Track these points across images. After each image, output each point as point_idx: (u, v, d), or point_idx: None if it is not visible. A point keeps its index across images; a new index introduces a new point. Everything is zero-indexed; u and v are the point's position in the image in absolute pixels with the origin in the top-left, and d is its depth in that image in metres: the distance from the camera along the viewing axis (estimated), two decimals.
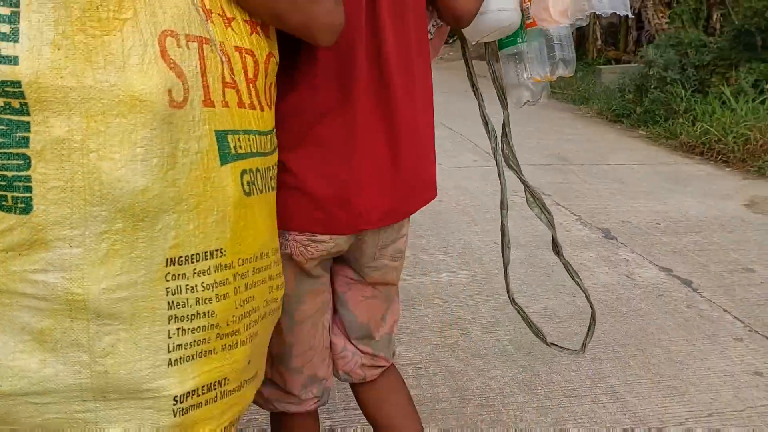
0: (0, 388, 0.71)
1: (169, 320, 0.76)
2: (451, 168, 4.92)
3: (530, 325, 1.65)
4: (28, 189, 0.68)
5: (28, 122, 0.67)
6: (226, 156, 0.80)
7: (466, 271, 3.06)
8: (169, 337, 0.76)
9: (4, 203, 0.68)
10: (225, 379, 0.83)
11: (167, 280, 0.75)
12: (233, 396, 0.86)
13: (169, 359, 0.77)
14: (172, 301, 0.76)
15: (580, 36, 12.41)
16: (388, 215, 1.11)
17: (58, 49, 0.66)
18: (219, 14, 0.81)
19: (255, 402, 1.09)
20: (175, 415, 0.77)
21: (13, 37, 0.64)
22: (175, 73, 0.73)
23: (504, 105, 1.57)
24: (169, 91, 0.72)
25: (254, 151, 0.86)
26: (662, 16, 11.10)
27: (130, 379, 0.75)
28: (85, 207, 0.69)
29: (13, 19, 0.64)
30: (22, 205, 0.68)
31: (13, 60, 0.65)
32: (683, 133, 5.62)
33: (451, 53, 14.29)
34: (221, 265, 0.80)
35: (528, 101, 1.60)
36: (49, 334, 0.71)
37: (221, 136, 0.79)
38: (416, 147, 1.14)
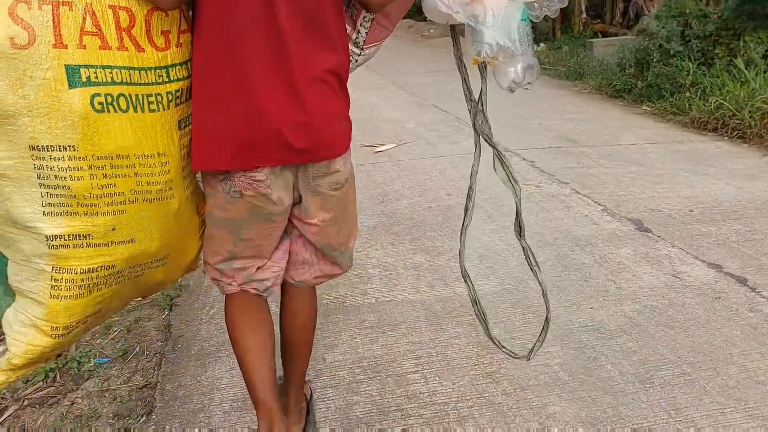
0: None
1: (40, 186, 1.17)
2: (453, 156, 4.53)
3: (476, 303, 1.61)
4: None
5: None
6: (75, 83, 1.12)
7: (492, 279, 2.68)
8: (41, 197, 1.17)
9: None
10: (89, 234, 1.22)
11: (33, 159, 1.15)
12: (99, 248, 1.24)
13: (43, 211, 1.18)
14: (39, 174, 1.16)
15: (564, 10, 12.05)
16: (292, 155, 1.30)
17: None
18: None
19: (215, 283, 1.53)
20: (49, 248, 1.20)
21: None
22: (22, 26, 1.07)
23: (483, 77, 1.58)
24: (11, 38, 1.07)
25: (116, 81, 1.17)
26: None
27: (21, 218, 1.19)
28: None
29: None
30: None
31: None
32: (693, 108, 5.30)
33: (432, 30, 13.79)
34: (74, 157, 1.15)
35: (514, 84, 1.54)
36: None
37: (72, 69, 1.12)
38: (313, 105, 1.29)
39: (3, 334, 1.33)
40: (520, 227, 1.60)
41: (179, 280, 1.99)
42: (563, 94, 6.83)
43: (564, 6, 1.52)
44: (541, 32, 11.98)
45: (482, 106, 1.63)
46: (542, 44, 11.87)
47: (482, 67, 1.55)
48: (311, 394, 1.86)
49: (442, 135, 5.17)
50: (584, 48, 10.45)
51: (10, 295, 1.32)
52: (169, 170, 1.28)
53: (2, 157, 1.15)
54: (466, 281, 1.61)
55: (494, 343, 1.62)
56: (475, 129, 1.64)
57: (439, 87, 7.48)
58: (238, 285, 1.49)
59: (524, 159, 4.36)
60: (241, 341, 1.47)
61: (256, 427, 1.43)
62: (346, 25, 1.43)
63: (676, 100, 5.63)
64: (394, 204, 3.64)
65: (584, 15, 11.69)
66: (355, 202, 1.57)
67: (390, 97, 6.93)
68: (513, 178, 1.64)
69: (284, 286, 1.59)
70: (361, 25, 1.49)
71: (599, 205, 3.46)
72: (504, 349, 1.64)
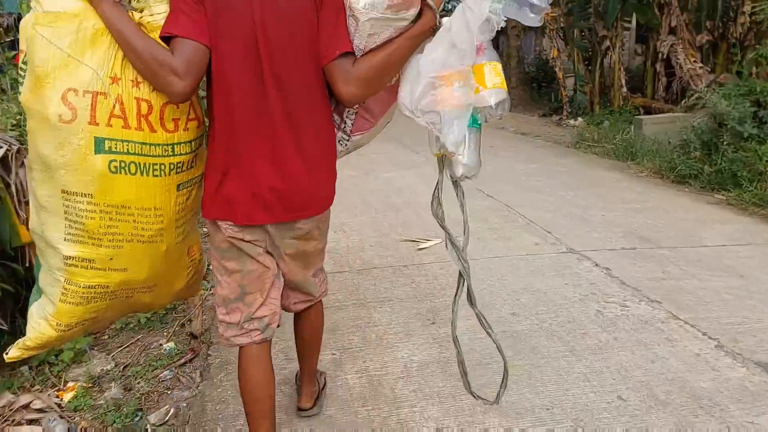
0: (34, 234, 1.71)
1: (65, 219, 1.59)
2: (511, 257, 3.87)
3: (461, 363, 2.19)
4: None
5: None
6: (100, 150, 1.55)
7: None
8: (65, 227, 1.60)
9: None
10: (93, 260, 1.62)
11: (63, 200, 1.58)
12: (99, 271, 1.64)
13: (64, 237, 1.60)
14: (66, 211, 1.59)
15: (603, 83, 11.60)
16: (281, 214, 1.69)
17: (29, 93, 1.55)
18: (131, 80, 1.55)
19: (222, 344, 1.93)
20: (64, 265, 1.62)
21: None
22: (68, 107, 1.51)
23: (440, 169, 1.94)
24: (61, 115, 1.51)
25: (131, 152, 1.57)
26: (694, 61, 10.29)
27: (50, 238, 1.62)
28: (33, 159, 1.61)
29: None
30: None
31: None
32: None
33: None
34: (90, 202, 1.58)
35: (463, 175, 1.87)
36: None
37: (99, 140, 1.54)
38: (301, 173, 1.66)
39: None
40: (471, 299, 2.05)
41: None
42: (618, 178, 6.20)
43: (501, 117, 1.75)
44: (579, 106, 11.52)
45: (439, 192, 1.97)
46: (580, 119, 11.40)
47: (440, 160, 1.89)
48: (324, 383, 2.36)
49: (492, 227, 4.53)
50: (629, 124, 9.92)
51: (38, 293, 1.76)
52: (162, 221, 1.66)
53: (44, 195, 1.60)
54: (455, 345, 2.12)
55: (473, 395, 2.13)
56: (433, 213, 2.00)
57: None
58: (244, 331, 1.80)
59: (597, 264, 3.68)
60: (248, 397, 1.80)
61: None
62: (335, 115, 1.79)
63: (757, 189, 4.96)
64: (448, 326, 2.96)
65: (624, 89, 11.21)
66: (324, 244, 1.93)
67: (428, 178, 6.33)
68: (462, 258, 1.99)
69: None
70: (347, 117, 1.83)
71: (710, 338, 2.74)
72: (480, 399, 2.14)
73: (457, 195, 1.95)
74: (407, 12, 1.55)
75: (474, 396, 2.11)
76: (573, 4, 11.04)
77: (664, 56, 10.54)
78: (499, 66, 1.71)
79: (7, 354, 1.76)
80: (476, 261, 3.82)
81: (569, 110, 11.61)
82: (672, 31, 10.66)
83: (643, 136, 7.89)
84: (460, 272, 2.01)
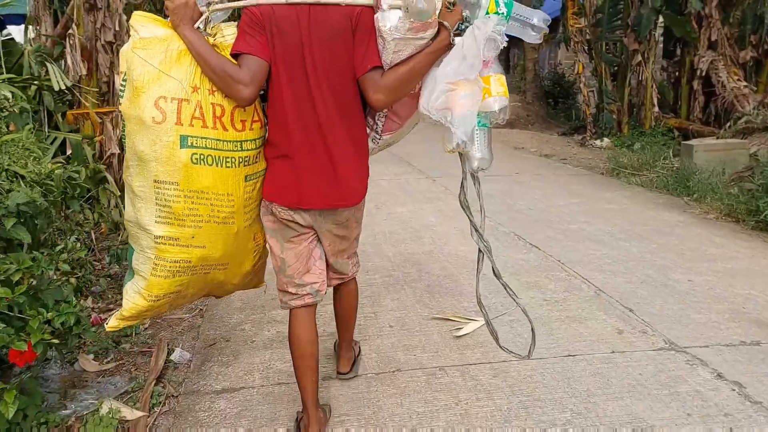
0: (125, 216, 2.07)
1: (156, 204, 1.93)
2: (589, 356, 2.74)
3: (488, 323, 2.26)
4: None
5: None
6: (184, 145, 1.89)
7: None
8: (156, 211, 1.93)
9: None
10: (178, 238, 1.95)
11: (155, 188, 1.91)
12: (183, 248, 1.97)
13: (155, 220, 1.93)
14: (156, 197, 1.92)
15: (630, 103, 10.54)
16: (324, 202, 2.04)
17: (129, 101, 1.95)
18: (207, 89, 1.92)
19: (281, 307, 2.21)
20: (155, 243, 1.95)
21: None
22: (159, 111, 1.87)
23: (462, 161, 2.17)
24: (153, 117, 1.87)
25: (208, 147, 1.92)
26: (738, 80, 9.25)
27: (143, 222, 1.95)
28: (130, 156, 1.97)
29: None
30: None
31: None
32: None
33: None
34: (177, 189, 1.91)
35: (478, 167, 2.10)
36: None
37: (183, 137, 1.89)
38: (341, 169, 2.01)
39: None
40: (496, 272, 2.19)
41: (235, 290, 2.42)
42: (684, 221, 5.10)
43: (503, 121, 2.06)
44: (605, 125, 10.46)
45: (464, 180, 2.19)
46: (606, 139, 10.34)
47: (460, 155, 2.14)
48: (359, 351, 2.74)
49: (550, 299, 3.42)
50: (664, 147, 8.86)
51: (131, 274, 2.10)
52: (233, 205, 2.02)
53: (139, 185, 1.95)
54: (480, 308, 2.27)
55: (504, 349, 2.29)
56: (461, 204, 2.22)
57: (512, 199, 5.82)
58: (297, 296, 2.16)
59: (719, 375, 2.56)
60: (296, 353, 2.15)
61: (299, 416, 2.25)
62: (367, 118, 2.16)
63: None
64: None
65: (656, 108, 10.15)
66: (358, 231, 2.27)
67: (450, 215, 5.23)
68: (486, 247, 2.19)
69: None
70: (377, 119, 2.19)
71: None
72: (512, 353, 2.32)
73: (474, 185, 2.17)
74: (425, 33, 1.90)
75: (506, 350, 2.29)
76: (601, 15, 9.97)
77: (703, 73, 9.51)
78: (503, 78, 2.03)
79: (107, 324, 2.15)
80: (544, 360, 2.71)
81: (593, 130, 10.53)
82: (711, 45, 9.65)
83: (693, 165, 6.83)
84: (479, 249, 2.21)
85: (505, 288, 2.17)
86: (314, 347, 2.15)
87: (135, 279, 2.07)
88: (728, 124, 8.66)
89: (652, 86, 10.04)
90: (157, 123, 1.88)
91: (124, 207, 2.15)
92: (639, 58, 10.01)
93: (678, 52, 10.51)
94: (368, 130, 2.17)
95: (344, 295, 2.42)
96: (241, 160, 1.98)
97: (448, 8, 1.90)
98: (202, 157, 1.91)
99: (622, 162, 7.88)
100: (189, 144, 1.89)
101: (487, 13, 1.96)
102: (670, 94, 10.75)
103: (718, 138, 8.38)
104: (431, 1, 1.79)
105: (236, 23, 2.01)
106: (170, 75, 1.89)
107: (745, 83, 9.08)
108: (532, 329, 2.19)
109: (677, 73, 10.50)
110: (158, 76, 1.88)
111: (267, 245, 2.21)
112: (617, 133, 10.40)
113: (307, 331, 2.15)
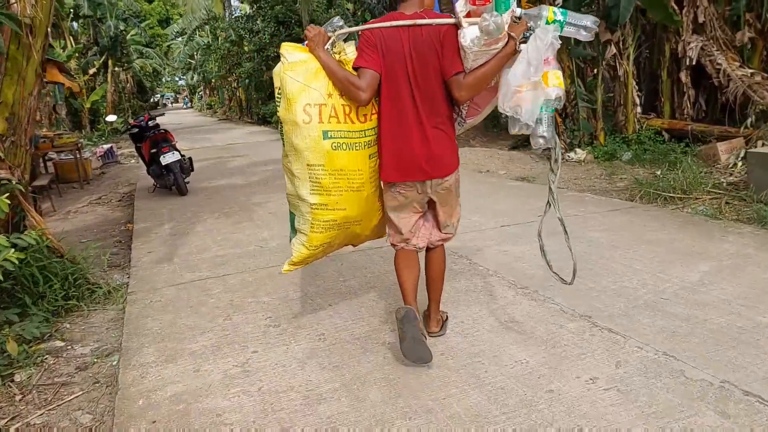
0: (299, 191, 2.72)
1: (309, 181, 2.63)
2: None
3: (544, 254, 2.74)
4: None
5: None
6: (325, 137, 2.55)
7: None
8: (310, 186, 2.63)
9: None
10: (326, 204, 2.63)
11: (308, 169, 2.61)
12: (330, 211, 2.65)
13: (310, 192, 2.64)
14: (309, 176, 2.62)
15: (604, 104, 8.81)
16: (423, 175, 2.61)
17: (284, 109, 2.65)
18: (337, 94, 2.57)
19: (391, 244, 2.86)
20: (311, 209, 2.66)
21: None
22: (307, 114, 2.55)
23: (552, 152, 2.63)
24: (303, 119, 2.55)
25: (342, 137, 2.56)
26: (740, 65, 7.72)
27: (302, 195, 2.67)
28: (288, 148, 2.69)
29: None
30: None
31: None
32: None
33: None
34: (323, 169, 2.58)
35: (544, 145, 2.49)
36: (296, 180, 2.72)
37: (324, 132, 2.55)
38: (434, 149, 2.58)
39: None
40: (565, 230, 2.63)
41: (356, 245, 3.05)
42: None
43: (560, 105, 2.49)
44: (583, 133, 8.60)
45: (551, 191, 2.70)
46: (580, 150, 8.50)
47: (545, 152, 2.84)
48: (447, 317, 3.06)
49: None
50: (663, 156, 7.10)
51: (294, 233, 2.83)
52: (362, 177, 2.65)
53: (297, 169, 2.62)
54: (539, 239, 2.74)
55: (553, 274, 2.71)
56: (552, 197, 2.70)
57: (618, 279, 3.55)
58: (403, 245, 2.80)
59: None
60: (400, 272, 2.79)
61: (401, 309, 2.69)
62: (454, 107, 2.70)
63: None
64: None
65: (639, 109, 8.44)
66: (457, 197, 2.79)
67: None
68: (562, 221, 2.63)
69: (427, 249, 2.85)
70: (462, 108, 2.78)
71: None
72: (560, 279, 2.70)
73: (552, 162, 2.66)
74: (497, 45, 2.37)
75: (556, 276, 2.69)
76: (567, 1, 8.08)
77: (693, 61, 7.90)
78: (560, 73, 2.45)
79: (282, 268, 2.87)
80: None
81: (566, 140, 8.64)
82: (695, 29, 8.09)
83: (757, 176, 4.99)
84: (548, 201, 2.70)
85: (561, 222, 2.62)
86: (414, 275, 2.80)
87: (298, 236, 2.79)
88: (749, 120, 7.02)
89: (632, 83, 8.30)
90: (306, 123, 2.54)
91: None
92: (613, 49, 8.24)
93: (645, 37, 8.84)
94: (455, 116, 2.74)
95: (435, 257, 2.85)
96: (365, 143, 2.63)
97: (515, 21, 2.38)
98: (338, 144, 2.56)
99: (651, 183, 5.91)
100: (329, 136, 2.55)
101: (547, 22, 2.39)
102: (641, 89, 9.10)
103: (748, 137, 6.69)
104: (500, 23, 2.29)
105: (354, 42, 2.68)
106: (312, 87, 2.55)
107: (752, 69, 7.52)
108: (573, 263, 2.58)
109: (651, 64, 8.87)
110: (304, 88, 2.55)
111: (386, 211, 2.83)
112: (592, 142, 8.60)
113: (411, 264, 2.80)
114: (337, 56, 2.60)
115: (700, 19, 7.83)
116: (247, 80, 21.78)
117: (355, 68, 2.54)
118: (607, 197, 5.91)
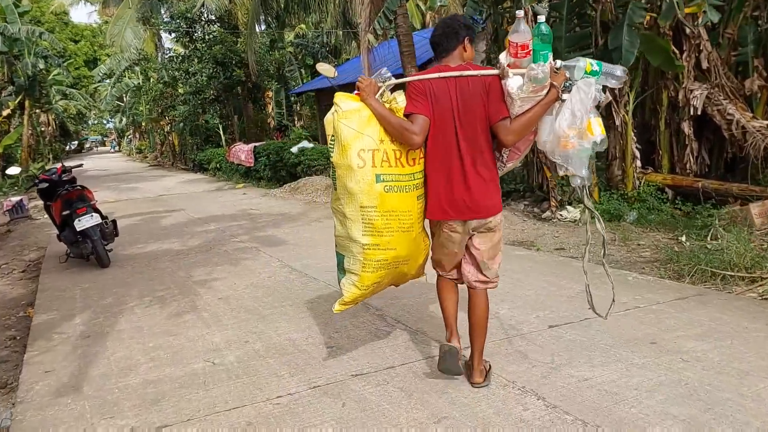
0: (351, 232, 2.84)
1: (362, 222, 2.75)
2: None
3: (587, 286, 2.91)
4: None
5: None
6: (378, 180, 2.71)
7: None
8: (362, 227, 2.75)
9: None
10: (378, 245, 2.76)
11: (360, 211, 2.74)
12: (381, 251, 2.77)
13: (362, 233, 2.75)
14: (362, 218, 2.74)
15: (601, 155, 7.89)
16: (465, 215, 2.76)
17: (338, 155, 2.80)
18: (389, 140, 2.75)
19: (437, 274, 3.09)
20: (362, 250, 2.77)
21: None
22: (361, 159, 2.70)
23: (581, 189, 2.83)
24: (357, 164, 2.70)
25: (394, 180, 2.73)
26: (753, 117, 6.96)
27: (353, 236, 2.78)
28: (341, 192, 2.82)
29: None
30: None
31: None
32: None
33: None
34: (376, 211, 2.72)
35: (580, 184, 2.74)
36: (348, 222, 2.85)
37: (377, 175, 2.71)
38: (476, 191, 2.74)
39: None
40: (604, 250, 2.88)
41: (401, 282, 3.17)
42: None
43: (603, 149, 2.73)
44: (564, 192, 7.60)
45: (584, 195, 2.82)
46: (571, 208, 7.51)
47: (572, 180, 2.81)
48: (490, 366, 3.05)
49: None
50: (687, 217, 6.13)
51: (343, 273, 2.90)
52: (411, 218, 2.79)
53: (349, 211, 2.75)
54: (584, 275, 2.90)
55: (592, 309, 2.87)
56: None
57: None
58: (445, 275, 3.04)
59: None
60: (442, 297, 3.01)
61: (446, 338, 2.98)
62: (496, 153, 2.85)
63: None
64: None
65: (638, 162, 7.55)
66: (500, 240, 2.91)
67: None
68: (599, 220, 2.82)
69: (469, 291, 2.95)
70: (504, 153, 2.88)
71: None
72: (598, 314, 2.85)
73: (584, 197, 2.81)
74: (542, 92, 2.61)
75: (594, 312, 2.85)
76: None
77: (698, 111, 7.09)
78: (600, 119, 2.69)
79: (334, 308, 2.94)
80: None
81: (559, 198, 7.63)
82: (697, 76, 7.33)
83: None
84: (589, 213, 2.87)
85: (602, 245, 2.87)
86: (453, 301, 3.01)
87: (348, 276, 2.88)
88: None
89: (631, 134, 7.41)
90: (360, 168, 2.69)
91: None
92: (609, 96, 7.33)
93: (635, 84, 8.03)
94: (497, 161, 2.88)
95: (477, 306, 2.92)
96: (414, 186, 2.79)
97: (555, 71, 2.61)
98: (390, 187, 2.72)
99: (695, 255, 4.85)
100: (381, 180, 2.71)
101: (586, 72, 2.63)
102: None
103: None
104: (547, 72, 2.55)
105: (402, 91, 2.86)
106: (365, 133, 2.71)
107: (761, 120, 6.75)
108: (612, 290, 2.82)
109: (644, 114, 8.04)
110: (358, 135, 2.71)
111: (430, 249, 3.06)
112: (578, 202, 7.59)
113: (450, 291, 3.02)
114: (387, 105, 2.81)
115: (704, 65, 7.06)
116: (181, 124, 20.11)
117: (407, 114, 2.77)
118: (651, 276, 4.79)
